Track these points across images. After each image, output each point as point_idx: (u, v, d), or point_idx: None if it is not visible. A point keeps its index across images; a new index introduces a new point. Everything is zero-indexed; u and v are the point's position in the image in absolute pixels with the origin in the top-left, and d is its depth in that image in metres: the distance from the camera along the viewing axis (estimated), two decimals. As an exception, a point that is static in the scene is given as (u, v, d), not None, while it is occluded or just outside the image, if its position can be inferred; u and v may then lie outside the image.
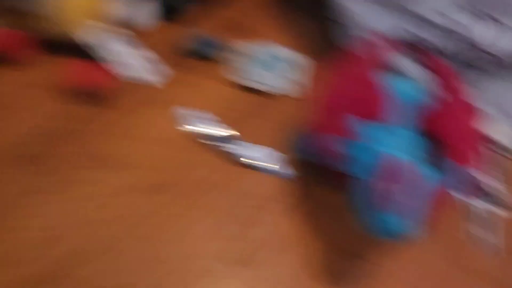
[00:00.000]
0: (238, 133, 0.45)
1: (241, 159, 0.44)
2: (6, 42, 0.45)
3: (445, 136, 0.34)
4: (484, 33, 0.40)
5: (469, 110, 0.36)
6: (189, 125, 0.45)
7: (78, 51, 0.46)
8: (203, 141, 0.45)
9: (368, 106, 0.35)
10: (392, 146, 0.34)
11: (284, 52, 0.52)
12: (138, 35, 0.50)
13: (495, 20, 0.40)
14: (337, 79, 0.38)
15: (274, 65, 0.51)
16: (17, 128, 0.43)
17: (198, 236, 0.39)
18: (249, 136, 0.46)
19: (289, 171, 0.44)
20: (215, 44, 0.50)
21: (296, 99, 0.49)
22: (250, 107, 0.48)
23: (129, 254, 0.38)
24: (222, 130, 0.45)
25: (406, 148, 0.34)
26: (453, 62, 0.42)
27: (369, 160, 0.33)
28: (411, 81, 0.42)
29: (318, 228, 0.41)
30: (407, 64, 0.43)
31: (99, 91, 0.45)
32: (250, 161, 0.44)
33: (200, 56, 0.51)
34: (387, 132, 0.35)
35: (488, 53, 0.41)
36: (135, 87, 0.48)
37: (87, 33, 0.45)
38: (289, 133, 0.46)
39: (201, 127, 0.45)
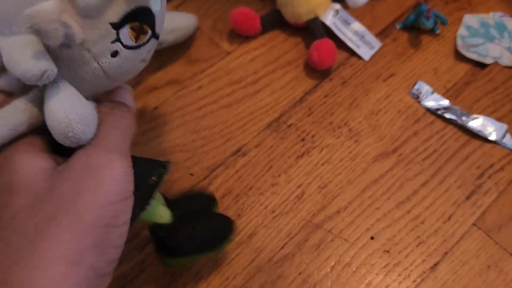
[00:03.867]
0: (457, 104, 0.48)
1: (468, 128, 0.46)
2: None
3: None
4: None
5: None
6: (414, 96, 0.49)
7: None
8: (427, 110, 0.48)
9: None
10: None
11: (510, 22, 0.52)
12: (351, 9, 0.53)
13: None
14: None
15: (500, 36, 0.51)
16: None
17: (425, 199, 0.44)
18: (468, 107, 0.48)
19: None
20: (434, 15, 0.51)
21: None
22: (470, 78, 0.50)
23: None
24: (444, 100, 0.48)
25: None
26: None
27: None
28: None
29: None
30: None
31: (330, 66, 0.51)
32: (474, 131, 0.46)
33: (418, 28, 0.53)
34: None
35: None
36: (350, 60, 0.52)
37: (325, 13, 0.51)
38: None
39: (424, 98, 0.49)
